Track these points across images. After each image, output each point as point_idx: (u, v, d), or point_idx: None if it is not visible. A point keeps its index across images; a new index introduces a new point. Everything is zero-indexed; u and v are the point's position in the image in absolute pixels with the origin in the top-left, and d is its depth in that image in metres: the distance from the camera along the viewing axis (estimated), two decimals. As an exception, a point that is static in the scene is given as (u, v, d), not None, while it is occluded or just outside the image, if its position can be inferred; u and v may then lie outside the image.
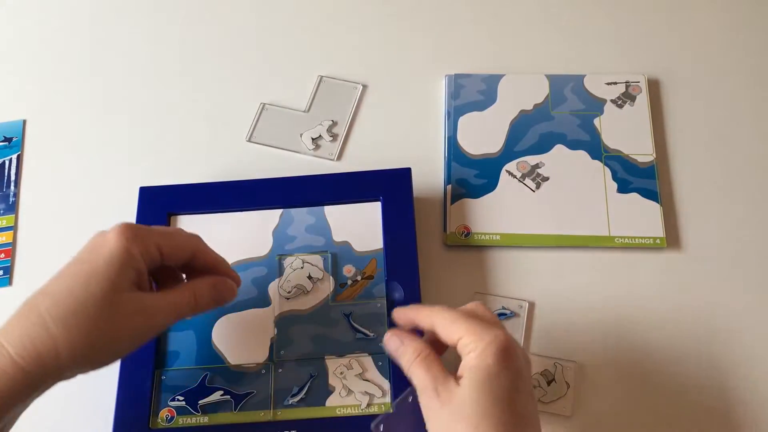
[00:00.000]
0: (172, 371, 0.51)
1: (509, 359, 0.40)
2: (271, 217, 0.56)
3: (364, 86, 0.65)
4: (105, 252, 0.41)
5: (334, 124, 0.63)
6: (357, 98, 0.64)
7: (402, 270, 0.52)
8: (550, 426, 0.50)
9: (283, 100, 0.64)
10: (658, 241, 0.56)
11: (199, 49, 0.68)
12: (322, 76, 0.65)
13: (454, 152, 0.60)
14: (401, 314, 0.46)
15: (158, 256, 0.43)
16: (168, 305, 0.43)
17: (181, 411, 0.50)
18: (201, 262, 0.46)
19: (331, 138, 0.62)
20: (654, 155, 0.59)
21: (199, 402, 0.50)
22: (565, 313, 0.54)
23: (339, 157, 0.61)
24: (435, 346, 0.44)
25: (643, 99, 0.62)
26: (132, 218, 0.55)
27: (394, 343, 0.45)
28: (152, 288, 0.45)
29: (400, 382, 0.49)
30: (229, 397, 0.50)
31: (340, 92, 0.64)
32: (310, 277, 0.53)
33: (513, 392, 0.39)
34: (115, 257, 0.41)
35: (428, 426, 0.41)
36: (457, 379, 0.40)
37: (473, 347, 0.40)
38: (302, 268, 0.54)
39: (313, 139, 0.62)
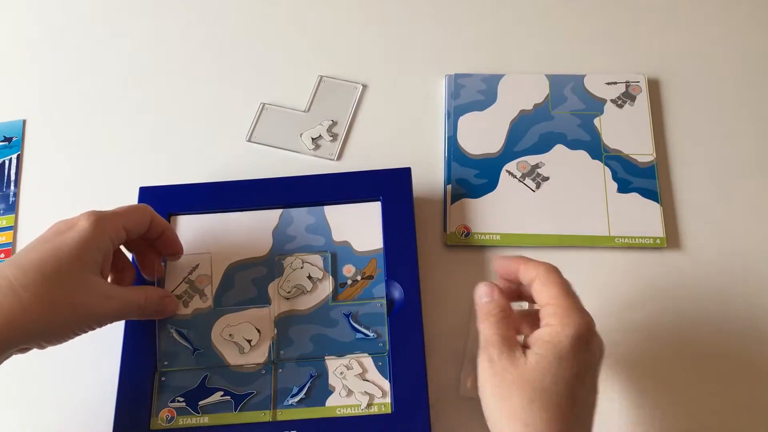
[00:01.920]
0: (172, 371, 0.51)
1: (584, 349, 0.39)
2: (271, 217, 0.56)
3: (364, 86, 0.65)
4: (74, 233, 0.43)
5: (334, 124, 0.63)
6: (357, 98, 0.64)
7: (402, 270, 0.52)
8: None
9: (283, 100, 0.64)
10: (658, 241, 0.56)
11: (199, 49, 0.68)
12: (322, 76, 0.65)
13: (454, 152, 0.60)
14: (504, 263, 0.44)
15: (124, 234, 0.47)
16: (122, 299, 0.46)
17: (181, 411, 0.50)
18: (156, 229, 0.49)
19: (331, 138, 0.62)
20: (654, 155, 0.59)
21: (199, 402, 0.50)
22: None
23: (339, 157, 0.61)
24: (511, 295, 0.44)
25: (643, 99, 0.62)
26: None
27: (483, 291, 0.43)
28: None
29: (400, 382, 0.49)
30: (229, 397, 0.50)
31: (340, 92, 0.64)
32: (309, 277, 0.53)
33: (577, 381, 0.39)
34: (84, 238, 0.43)
35: (480, 383, 0.41)
36: (524, 349, 0.40)
37: (555, 322, 0.40)
38: (302, 267, 0.54)
39: (313, 139, 0.62)
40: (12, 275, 0.41)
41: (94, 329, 0.45)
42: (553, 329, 0.39)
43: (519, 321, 0.44)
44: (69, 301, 0.42)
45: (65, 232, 0.44)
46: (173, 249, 0.52)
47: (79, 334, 0.45)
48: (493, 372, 0.40)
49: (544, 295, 0.41)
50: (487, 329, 0.42)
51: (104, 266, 0.46)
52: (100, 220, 0.45)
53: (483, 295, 0.43)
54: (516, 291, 0.45)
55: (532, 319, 0.43)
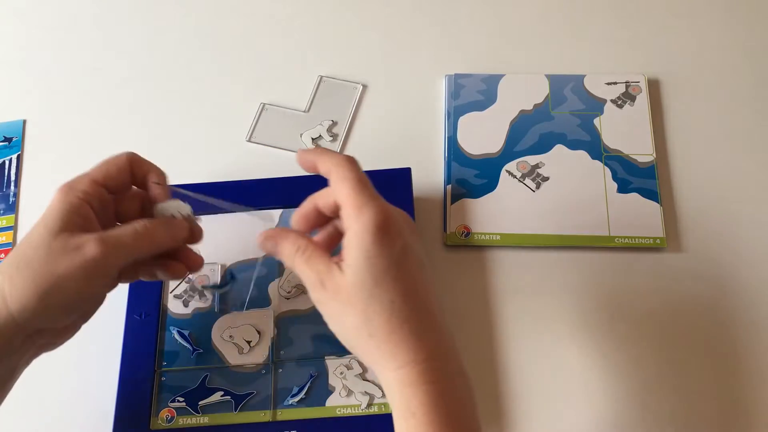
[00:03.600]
0: (172, 371, 0.51)
1: (388, 236, 0.38)
2: (271, 217, 0.56)
3: (364, 86, 0.65)
4: (46, 210, 0.42)
5: (334, 124, 0.63)
6: (357, 98, 0.64)
7: (402, 270, 0.52)
8: (550, 426, 0.50)
9: (283, 100, 0.64)
10: (658, 241, 0.56)
11: (199, 49, 0.68)
12: (322, 76, 0.65)
13: (454, 152, 0.60)
14: (303, 155, 0.42)
15: (101, 190, 0.43)
16: (112, 239, 0.41)
17: (181, 411, 0.50)
18: (140, 171, 0.45)
19: (331, 138, 0.62)
20: (654, 155, 0.59)
21: (200, 402, 0.50)
22: (564, 313, 0.54)
23: (339, 157, 0.61)
24: (332, 239, 0.43)
25: (643, 99, 0.62)
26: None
27: (268, 245, 0.42)
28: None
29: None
30: (229, 397, 0.50)
31: (340, 92, 0.64)
32: None
33: (396, 269, 0.38)
34: (53, 208, 0.41)
35: (325, 320, 0.41)
36: (339, 264, 0.39)
37: (352, 223, 0.38)
38: None
39: (313, 139, 0.62)
40: (9, 259, 0.41)
41: (98, 289, 0.43)
42: (353, 232, 0.38)
43: (328, 240, 0.43)
44: (47, 272, 0.39)
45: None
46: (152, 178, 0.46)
47: (85, 301, 0.43)
48: (326, 305, 0.40)
49: (339, 193, 0.40)
50: (302, 273, 0.40)
51: (89, 223, 0.42)
52: (65, 187, 0.42)
53: (272, 247, 0.42)
54: (319, 218, 0.43)
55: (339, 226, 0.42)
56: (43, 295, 0.40)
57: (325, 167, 0.41)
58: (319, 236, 0.44)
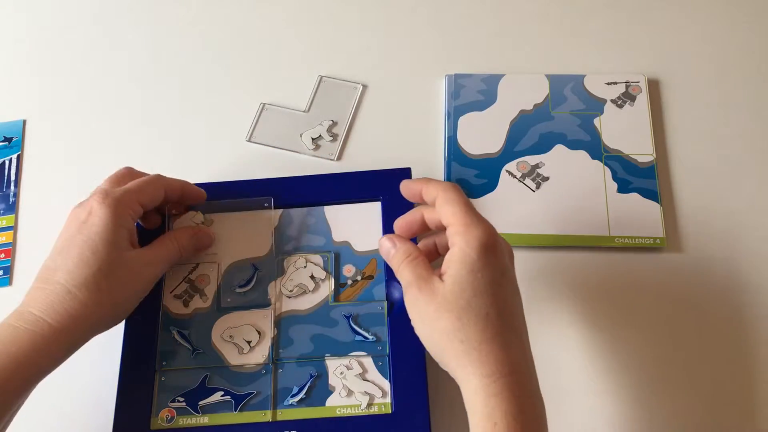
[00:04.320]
0: (172, 371, 0.51)
1: (493, 255, 0.41)
2: (271, 217, 0.56)
3: (364, 86, 0.65)
4: (96, 220, 0.45)
5: (334, 124, 0.63)
6: (357, 98, 0.64)
7: (402, 270, 0.52)
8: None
9: (283, 100, 0.64)
10: (658, 241, 0.56)
11: (199, 49, 0.68)
12: (322, 76, 0.65)
13: (454, 152, 0.60)
14: (409, 185, 0.47)
15: (140, 210, 0.49)
16: (161, 259, 0.49)
17: (181, 411, 0.50)
18: (173, 195, 0.52)
19: (331, 138, 0.62)
20: (654, 155, 0.59)
21: (200, 402, 0.50)
22: (564, 313, 0.54)
23: (339, 158, 0.61)
24: (430, 253, 0.47)
25: (643, 99, 0.62)
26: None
27: (386, 245, 0.46)
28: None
29: (400, 382, 0.49)
30: (229, 397, 0.50)
31: (340, 92, 0.64)
32: (312, 277, 0.53)
33: (495, 287, 0.41)
34: (108, 222, 0.45)
35: (413, 323, 0.44)
36: (441, 276, 0.42)
37: (458, 239, 0.42)
38: (305, 267, 0.54)
39: (313, 139, 0.62)
40: (63, 279, 0.44)
41: (147, 293, 0.49)
42: (458, 247, 0.42)
43: (431, 253, 0.47)
44: (119, 284, 0.46)
45: (86, 221, 0.46)
46: (196, 200, 0.54)
47: (137, 304, 0.49)
48: (419, 307, 0.43)
49: (446, 214, 0.43)
50: (403, 276, 0.44)
51: (132, 237, 0.48)
52: (115, 202, 0.46)
53: (388, 249, 0.46)
54: (420, 228, 0.47)
55: (442, 243, 0.46)
56: (120, 305, 0.47)
57: (432, 193, 0.45)
58: (421, 245, 0.47)
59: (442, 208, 0.44)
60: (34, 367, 0.43)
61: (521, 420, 0.39)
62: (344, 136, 0.62)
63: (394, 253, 0.46)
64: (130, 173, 0.51)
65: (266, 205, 0.55)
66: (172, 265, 0.51)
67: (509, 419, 0.38)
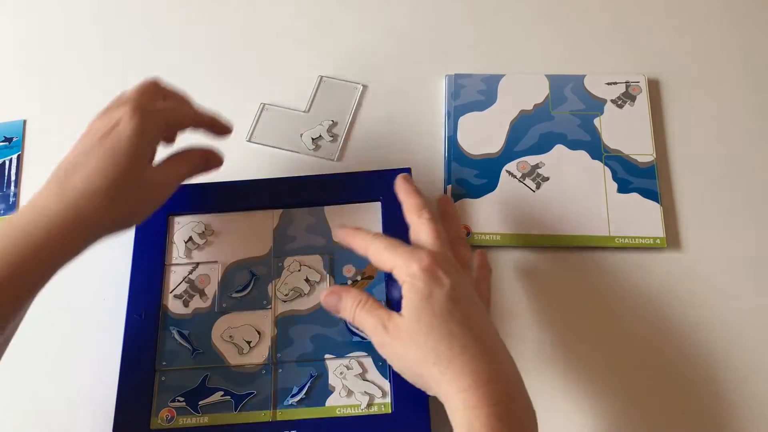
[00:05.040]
0: (172, 371, 0.51)
1: (437, 277, 0.42)
2: (271, 217, 0.56)
3: (364, 86, 0.65)
4: (124, 134, 0.45)
5: (335, 124, 0.63)
6: (357, 98, 0.64)
7: (402, 270, 0.52)
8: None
9: (283, 100, 0.64)
10: (658, 241, 0.56)
11: (199, 49, 0.68)
12: (322, 76, 0.65)
13: (454, 152, 0.60)
14: (341, 233, 0.48)
15: (165, 130, 0.49)
16: (173, 176, 0.49)
17: (181, 411, 0.50)
18: (199, 120, 0.52)
19: (331, 138, 0.62)
20: (654, 155, 0.59)
21: (200, 402, 0.50)
22: (564, 313, 0.54)
23: (339, 158, 0.61)
24: None
25: (643, 99, 0.62)
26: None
27: (332, 300, 0.47)
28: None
29: (400, 382, 0.49)
30: (229, 397, 0.50)
31: (340, 92, 0.64)
32: (307, 280, 0.53)
33: (450, 304, 0.42)
34: (134, 138, 0.45)
35: (390, 363, 0.45)
36: (399, 312, 0.43)
37: (402, 275, 0.43)
38: (299, 270, 0.54)
39: (313, 139, 0.62)
40: (81, 182, 0.44)
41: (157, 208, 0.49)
42: (405, 283, 0.43)
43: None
44: (133, 198, 0.46)
45: (108, 135, 0.45)
46: (221, 134, 0.54)
47: (149, 216, 0.49)
48: (390, 347, 0.43)
49: (383, 261, 0.45)
50: (364, 323, 0.45)
51: (152, 156, 0.48)
52: (145, 117, 0.46)
53: (335, 302, 0.46)
54: None
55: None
56: (132, 215, 0.48)
57: (361, 248, 0.47)
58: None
59: (377, 260, 0.45)
60: (54, 254, 0.44)
61: (503, 426, 0.39)
62: (344, 136, 0.62)
63: (343, 304, 0.46)
64: (156, 87, 0.49)
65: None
66: (182, 182, 0.51)
67: (489, 429, 0.38)
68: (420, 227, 0.47)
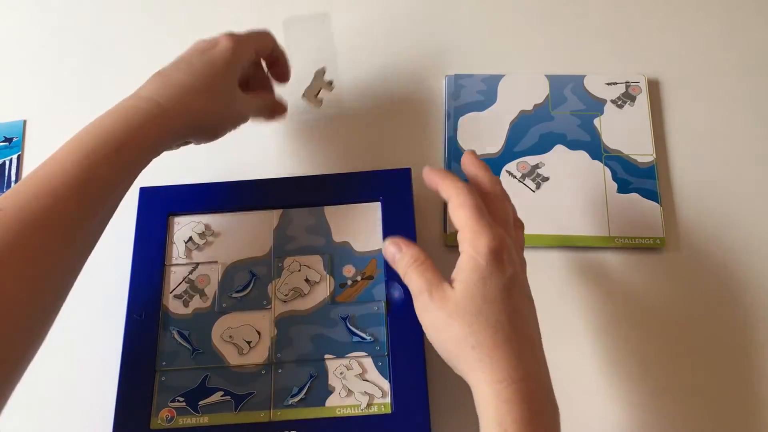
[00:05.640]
0: (172, 371, 0.51)
1: (502, 263, 0.41)
2: (271, 217, 0.56)
3: (325, 15, 0.63)
4: (221, 51, 0.51)
5: (323, 71, 0.62)
6: (329, 29, 0.62)
7: (402, 270, 0.52)
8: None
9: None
10: (658, 241, 0.56)
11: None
12: (284, 21, 0.63)
13: (454, 152, 0.60)
14: (429, 175, 0.47)
15: (255, 56, 0.54)
16: (253, 101, 0.55)
17: (181, 411, 0.50)
18: (275, 54, 0.57)
19: (330, 86, 0.62)
20: (654, 155, 0.59)
21: (200, 402, 0.50)
22: (564, 313, 0.54)
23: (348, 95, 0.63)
24: None
25: (643, 99, 0.62)
26: (132, 220, 0.55)
27: (391, 250, 0.46)
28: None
29: (400, 382, 0.49)
30: (229, 397, 0.50)
31: (311, 31, 0.62)
32: (307, 280, 0.53)
33: (505, 293, 0.41)
34: (231, 55, 0.51)
35: (425, 329, 0.44)
36: (451, 282, 0.42)
37: (467, 246, 0.42)
38: (299, 271, 0.54)
39: (315, 95, 0.62)
40: (182, 76, 0.49)
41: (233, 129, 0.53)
42: (467, 254, 0.42)
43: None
44: (225, 105, 0.51)
45: (208, 50, 0.51)
46: (283, 76, 0.58)
47: (225, 133, 0.53)
48: (431, 314, 0.42)
49: (456, 219, 0.43)
50: (412, 282, 0.44)
51: (241, 78, 0.53)
52: (239, 41, 0.52)
53: (393, 253, 0.45)
54: None
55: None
56: (220, 124, 0.52)
57: (446, 192, 0.45)
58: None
59: (454, 212, 0.44)
60: (149, 140, 0.46)
61: (531, 427, 0.39)
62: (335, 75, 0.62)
63: (400, 257, 0.45)
64: (268, 37, 0.56)
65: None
66: (256, 115, 0.57)
67: (519, 426, 0.38)
68: (495, 202, 0.45)
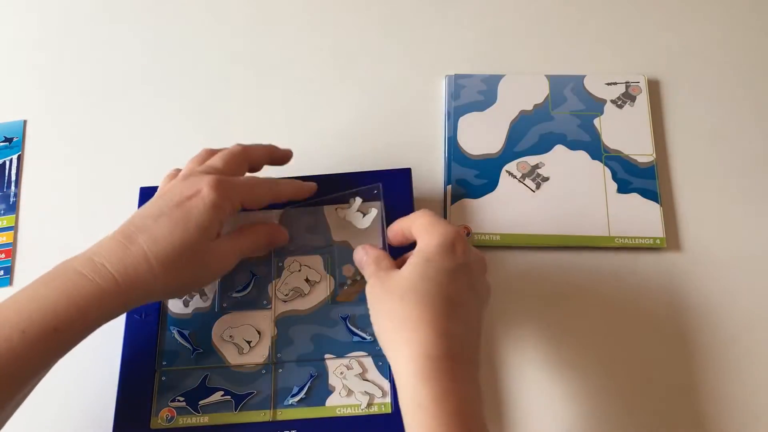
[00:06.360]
0: (172, 371, 0.51)
1: (453, 251, 0.43)
2: (271, 216, 0.56)
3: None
4: (201, 204, 0.45)
5: None
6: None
7: (402, 270, 0.52)
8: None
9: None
10: (658, 241, 0.56)
11: (199, 49, 0.68)
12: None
13: (454, 152, 0.60)
14: (392, 229, 0.49)
15: (239, 207, 0.48)
16: (236, 250, 0.49)
17: (181, 411, 0.50)
18: (275, 199, 0.51)
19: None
20: (654, 155, 0.59)
21: (200, 402, 0.50)
22: (564, 314, 0.54)
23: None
24: None
25: (643, 99, 0.62)
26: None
27: (359, 254, 0.48)
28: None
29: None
30: (229, 397, 0.50)
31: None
32: (307, 280, 0.53)
33: (449, 277, 0.42)
34: (210, 210, 0.45)
35: (372, 312, 0.45)
36: (401, 267, 0.44)
37: (422, 235, 0.44)
38: (299, 271, 0.54)
39: None
40: (146, 245, 0.44)
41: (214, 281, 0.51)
42: (421, 241, 0.44)
43: (400, 261, 0.47)
44: (195, 270, 0.46)
45: (190, 199, 0.45)
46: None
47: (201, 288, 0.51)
48: (373, 294, 0.45)
49: (416, 227, 0.46)
50: (367, 270, 0.46)
51: (220, 230, 0.47)
52: (225, 194, 0.46)
53: (362, 256, 0.48)
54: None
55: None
56: (186, 287, 0.49)
57: (408, 221, 0.47)
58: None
59: (415, 224, 0.46)
60: (92, 317, 0.43)
61: (447, 405, 0.39)
62: None
63: (366, 259, 0.47)
64: (243, 157, 0.50)
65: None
66: (243, 257, 0.50)
67: (434, 403, 0.39)
68: (434, 227, 0.45)
